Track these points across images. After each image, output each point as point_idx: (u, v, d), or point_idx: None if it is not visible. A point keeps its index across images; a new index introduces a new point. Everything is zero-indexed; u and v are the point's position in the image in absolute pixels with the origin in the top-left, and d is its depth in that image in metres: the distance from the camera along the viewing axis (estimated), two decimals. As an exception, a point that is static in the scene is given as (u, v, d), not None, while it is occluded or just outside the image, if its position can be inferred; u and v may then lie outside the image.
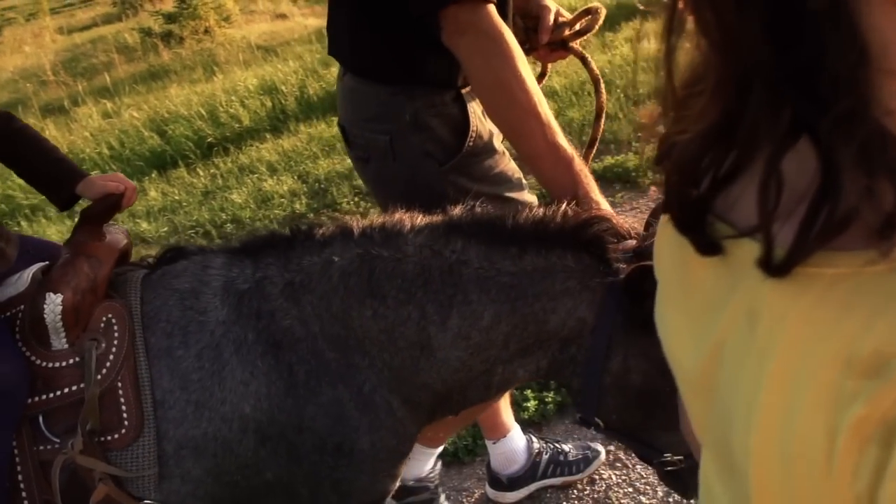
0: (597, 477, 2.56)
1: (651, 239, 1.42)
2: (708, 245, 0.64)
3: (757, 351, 0.59)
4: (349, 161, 5.44)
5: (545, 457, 2.51)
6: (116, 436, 1.48)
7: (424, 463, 2.43)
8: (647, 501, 2.44)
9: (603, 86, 1.98)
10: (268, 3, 13.76)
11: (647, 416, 1.56)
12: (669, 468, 1.59)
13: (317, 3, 12.66)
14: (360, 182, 4.95)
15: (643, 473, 2.54)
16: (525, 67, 1.64)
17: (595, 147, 1.99)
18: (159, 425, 1.48)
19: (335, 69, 2.39)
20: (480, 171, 1.91)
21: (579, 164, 1.65)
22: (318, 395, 1.50)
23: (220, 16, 12.14)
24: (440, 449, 2.48)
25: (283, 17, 12.63)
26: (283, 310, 1.51)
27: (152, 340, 1.53)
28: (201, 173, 5.89)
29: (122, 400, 1.48)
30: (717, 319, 0.65)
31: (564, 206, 1.53)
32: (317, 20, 11.02)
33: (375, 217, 1.59)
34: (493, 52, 1.62)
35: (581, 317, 1.48)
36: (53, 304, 1.49)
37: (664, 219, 0.77)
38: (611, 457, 2.63)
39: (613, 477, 2.56)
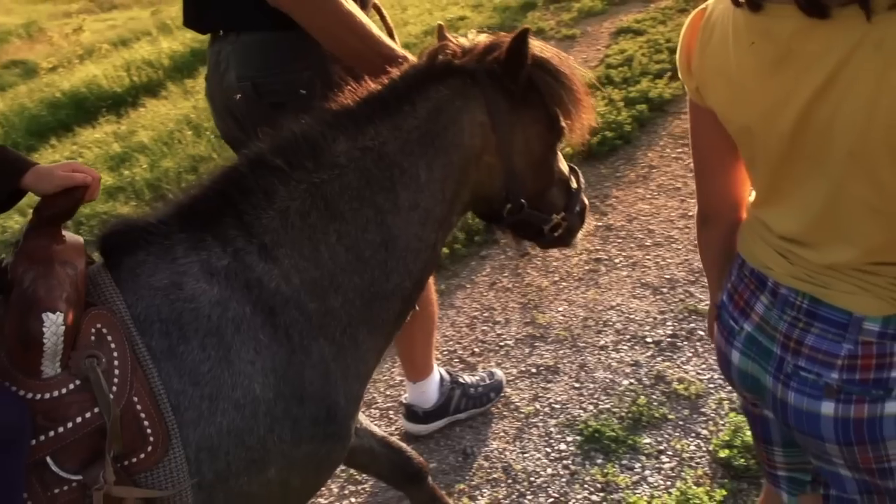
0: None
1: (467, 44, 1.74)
2: (819, 8, 1.04)
3: (884, 59, 1.01)
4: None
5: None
6: (143, 455, 1.33)
7: (434, 389, 2.73)
8: (360, 478, 2.57)
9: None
10: None
11: (546, 176, 1.81)
12: (556, 231, 1.87)
13: None
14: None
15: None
16: (347, 1, 1.86)
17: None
18: (181, 432, 1.36)
19: None
20: None
21: (401, 54, 1.88)
22: (310, 354, 1.48)
23: None
24: (436, 373, 2.74)
25: None
26: (268, 272, 1.47)
27: (152, 344, 1.39)
28: None
29: (143, 415, 1.33)
30: (828, 63, 1.06)
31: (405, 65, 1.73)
32: None
33: (273, 138, 1.58)
34: None
35: (481, 121, 1.65)
36: (55, 324, 1.27)
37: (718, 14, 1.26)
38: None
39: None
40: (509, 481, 2.50)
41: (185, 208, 1.53)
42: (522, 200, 1.75)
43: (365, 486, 2.58)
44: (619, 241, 3.73)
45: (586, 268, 3.57)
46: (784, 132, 1.17)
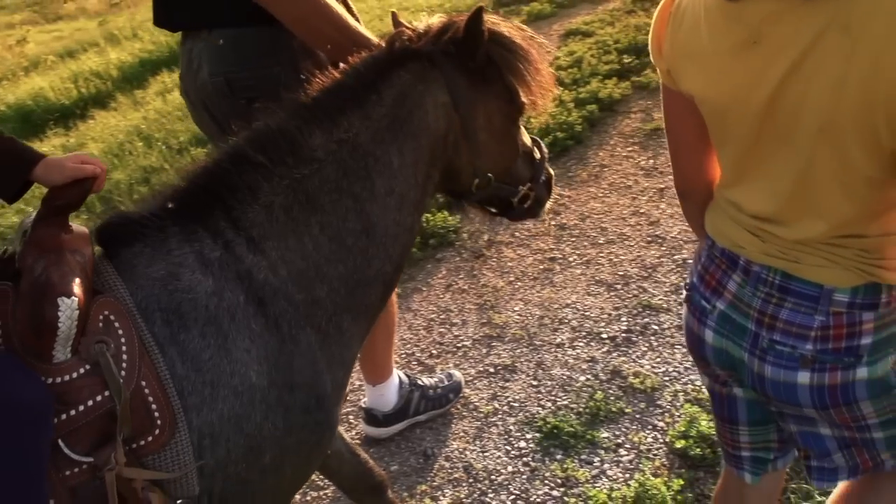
0: None
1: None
2: None
3: (851, 42, 1.06)
4: None
5: None
6: (150, 438, 1.36)
7: (393, 392, 2.75)
8: (322, 483, 2.56)
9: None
10: None
11: (511, 149, 1.87)
12: (526, 202, 1.93)
13: None
14: None
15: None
16: None
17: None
18: (185, 416, 1.39)
19: None
20: None
21: (377, 43, 1.89)
22: (298, 344, 1.51)
23: None
24: (395, 376, 2.76)
25: None
26: (256, 264, 1.51)
27: (156, 332, 1.42)
28: None
29: (151, 399, 1.36)
30: (798, 45, 1.11)
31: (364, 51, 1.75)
32: None
33: (251, 133, 1.60)
34: None
35: (443, 101, 1.69)
36: (70, 309, 1.29)
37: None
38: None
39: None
40: (470, 480, 2.52)
41: (174, 202, 1.55)
42: (489, 175, 1.80)
43: (327, 491, 2.58)
44: (573, 239, 3.77)
45: (541, 267, 3.60)
46: (756, 112, 1.23)
